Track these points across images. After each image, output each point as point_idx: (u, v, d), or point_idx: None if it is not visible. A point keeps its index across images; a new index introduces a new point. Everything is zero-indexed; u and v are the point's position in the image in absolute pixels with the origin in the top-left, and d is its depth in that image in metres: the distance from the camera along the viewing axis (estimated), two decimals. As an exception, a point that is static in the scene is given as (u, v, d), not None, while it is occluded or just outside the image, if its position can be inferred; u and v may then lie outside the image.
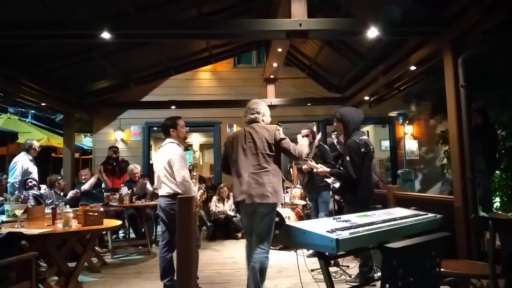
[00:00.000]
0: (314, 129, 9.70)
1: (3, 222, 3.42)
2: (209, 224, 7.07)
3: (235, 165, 3.61)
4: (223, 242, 6.84)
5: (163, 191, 3.94)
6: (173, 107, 8.42)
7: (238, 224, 7.13)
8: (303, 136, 5.47)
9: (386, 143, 10.10)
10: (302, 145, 3.76)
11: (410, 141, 9.40)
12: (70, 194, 6.24)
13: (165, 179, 3.88)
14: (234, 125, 9.65)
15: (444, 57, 4.28)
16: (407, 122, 9.05)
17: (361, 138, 3.99)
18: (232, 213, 7.19)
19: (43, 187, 6.25)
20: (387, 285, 1.76)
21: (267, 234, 3.46)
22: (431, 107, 8.78)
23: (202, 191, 4.46)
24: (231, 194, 7.52)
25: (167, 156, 3.85)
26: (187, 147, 7.10)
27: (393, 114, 8.72)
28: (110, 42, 5.07)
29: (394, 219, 2.69)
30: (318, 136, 5.36)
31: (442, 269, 2.26)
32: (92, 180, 6.54)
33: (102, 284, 4.44)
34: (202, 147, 14.14)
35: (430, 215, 2.93)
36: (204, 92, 9.45)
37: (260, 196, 3.41)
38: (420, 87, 7.62)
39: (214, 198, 7.32)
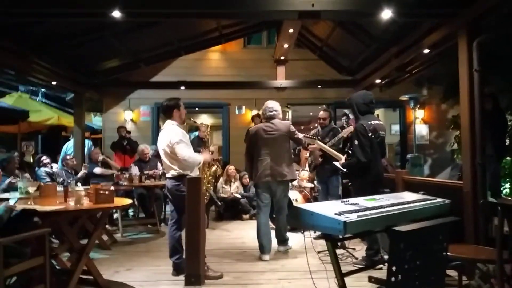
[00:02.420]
0: (320, 113, 9.61)
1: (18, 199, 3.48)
2: (220, 203, 7.14)
3: (258, 152, 4.60)
4: (230, 222, 6.92)
5: (168, 173, 3.98)
6: (182, 87, 8.42)
7: (245, 206, 7.20)
8: (320, 118, 5.51)
9: (396, 127, 10.03)
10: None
11: (420, 126, 9.31)
12: (81, 173, 6.31)
13: (168, 161, 3.91)
14: (243, 107, 9.64)
15: (459, 40, 4.20)
16: (418, 106, 8.95)
17: (370, 122, 3.92)
18: (238, 195, 7.24)
19: (55, 165, 6.34)
20: (393, 268, 1.78)
21: (285, 203, 4.68)
22: (443, 92, 8.67)
23: (217, 167, 4.51)
24: (238, 175, 7.57)
25: (168, 138, 3.85)
26: (196, 128, 7.13)
27: (404, 98, 8.63)
28: (121, 21, 5.05)
29: (402, 203, 2.69)
30: (348, 129, 5.14)
31: (449, 253, 2.27)
32: (108, 173, 6.61)
33: (113, 261, 4.55)
34: (211, 128, 14.15)
35: (438, 200, 2.92)
36: (213, 73, 9.40)
37: (280, 175, 4.52)
38: (433, 71, 7.52)
39: (221, 179, 7.37)
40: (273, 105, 4.73)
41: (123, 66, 8.61)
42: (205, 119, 13.01)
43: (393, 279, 1.77)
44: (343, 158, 4.21)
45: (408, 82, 8.28)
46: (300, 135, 4.76)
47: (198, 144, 5.72)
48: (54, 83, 7.51)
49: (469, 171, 3.93)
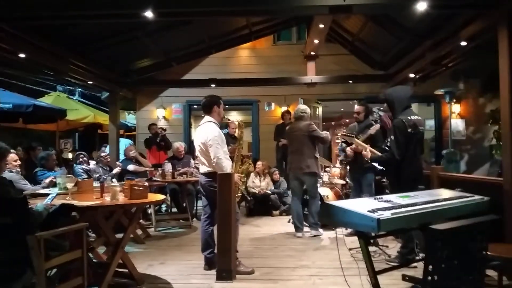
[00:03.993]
0: (355, 107, 9.41)
1: (57, 194, 3.61)
2: (249, 198, 7.18)
3: (289, 148, 5.60)
4: (261, 218, 6.93)
5: (202, 169, 4.04)
6: (213, 85, 8.49)
7: (275, 202, 7.19)
8: (355, 113, 5.40)
9: (430, 123, 9.73)
10: (327, 134, 5.75)
11: (456, 121, 9.00)
12: (116, 170, 6.49)
13: (203, 158, 3.97)
14: (273, 104, 9.62)
15: (499, 31, 4.01)
16: (454, 100, 8.65)
17: (409, 118, 3.75)
18: (268, 191, 7.25)
19: (92, 162, 6.55)
20: (430, 267, 1.73)
21: (315, 190, 5.51)
22: (480, 85, 8.33)
23: (249, 164, 4.62)
24: (268, 171, 7.56)
25: (204, 136, 3.90)
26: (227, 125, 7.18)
27: (439, 92, 8.36)
28: (153, 21, 5.14)
29: (438, 201, 2.62)
30: (375, 127, 5.03)
31: (488, 253, 2.19)
32: (141, 170, 6.75)
33: (147, 255, 4.66)
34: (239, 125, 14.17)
35: (476, 197, 2.83)
36: (243, 70, 9.42)
37: (300, 168, 5.35)
38: (470, 64, 7.25)
39: (252, 174, 7.40)
40: (304, 108, 5.64)
41: (155, 65, 8.79)
42: (235, 116, 13.11)
43: (429, 278, 1.73)
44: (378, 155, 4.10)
45: (444, 76, 8.01)
46: (323, 134, 5.49)
47: (227, 140, 5.78)
48: (90, 82, 7.76)
49: (509, 167, 3.76)
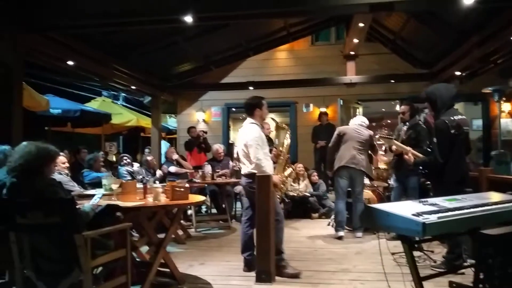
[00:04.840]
0: (401, 107, 9.14)
1: (103, 195, 3.74)
2: (287, 200, 7.13)
3: (346, 145, 5.46)
4: (299, 221, 6.85)
5: (243, 170, 4.06)
6: (251, 88, 8.53)
7: (314, 204, 7.10)
8: (400, 112, 5.42)
9: (478, 122, 9.30)
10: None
11: (506, 120, 8.54)
12: (159, 172, 6.66)
13: (244, 159, 3.99)
14: (311, 105, 9.53)
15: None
16: (504, 99, 8.19)
17: (452, 118, 3.57)
18: (308, 194, 7.16)
19: (136, 164, 6.76)
20: (481, 275, 1.64)
21: (362, 192, 5.54)
22: (534, 82, 7.84)
23: (292, 170, 4.59)
24: (306, 174, 7.48)
25: (246, 137, 3.93)
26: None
27: (487, 90, 7.95)
28: (192, 26, 5.24)
29: (487, 204, 2.48)
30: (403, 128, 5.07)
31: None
32: (182, 171, 6.90)
33: (188, 255, 4.73)
34: (278, 127, 14.15)
35: (531, 201, 2.65)
36: (281, 72, 9.42)
37: (359, 165, 5.35)
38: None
39: (289, 178, 7.33)
40: (365, 120, 5.90)
41: (195, 69, 8.98)
42: (274, 118, 13.08)
43: (480, 286, 1.64)
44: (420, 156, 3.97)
45: (492, 73, 7.62)
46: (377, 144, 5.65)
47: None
48: (133, 87, 8.03)
49: None
